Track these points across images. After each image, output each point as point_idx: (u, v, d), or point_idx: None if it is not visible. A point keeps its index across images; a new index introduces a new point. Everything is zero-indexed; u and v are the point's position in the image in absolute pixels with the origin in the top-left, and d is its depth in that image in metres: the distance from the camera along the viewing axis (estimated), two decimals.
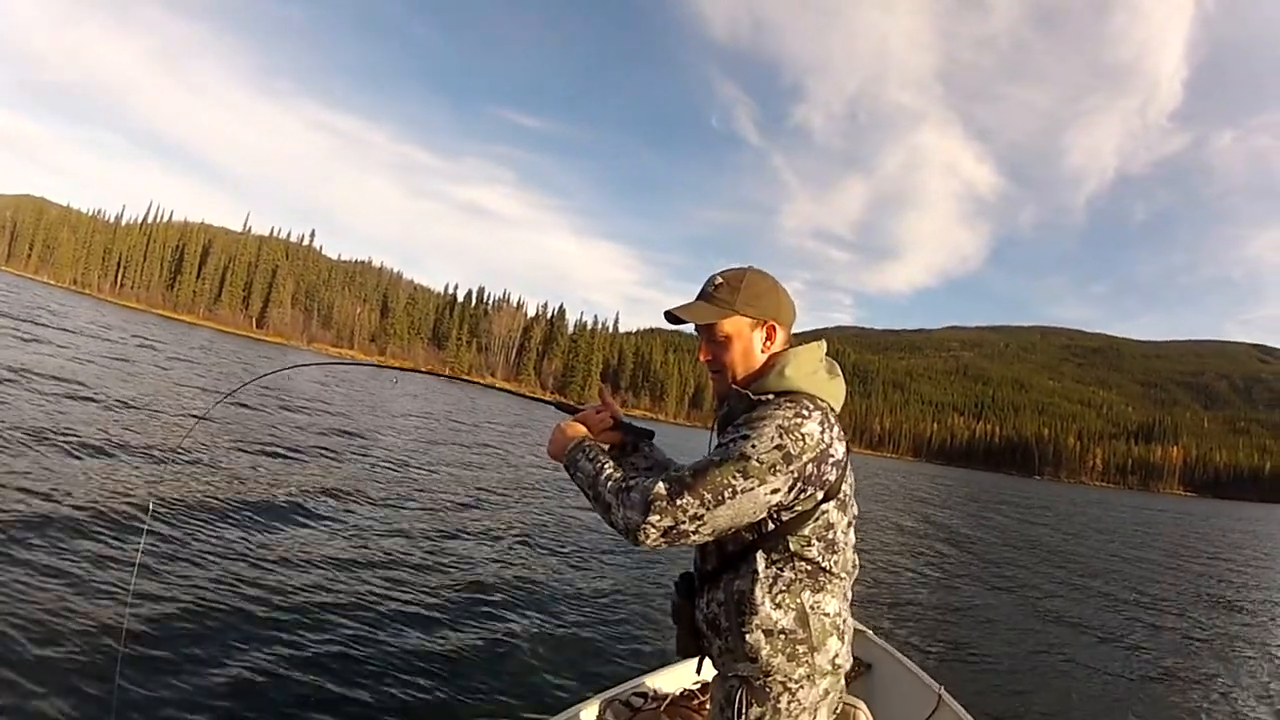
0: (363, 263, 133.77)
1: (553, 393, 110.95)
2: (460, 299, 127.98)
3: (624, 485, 1.52)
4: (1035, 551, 16.81)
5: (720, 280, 1.63)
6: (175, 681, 3.49)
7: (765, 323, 1.62)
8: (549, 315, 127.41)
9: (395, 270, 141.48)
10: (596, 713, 2.66)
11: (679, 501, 1.42)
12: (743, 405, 1.57)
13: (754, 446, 1.43)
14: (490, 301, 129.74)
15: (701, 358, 1.69)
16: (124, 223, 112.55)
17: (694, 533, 1.45)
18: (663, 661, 3.41)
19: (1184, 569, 16.25)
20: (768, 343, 1.63)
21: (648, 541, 1.45)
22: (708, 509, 1.42)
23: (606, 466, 1.59)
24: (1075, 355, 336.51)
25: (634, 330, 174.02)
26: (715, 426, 1.67)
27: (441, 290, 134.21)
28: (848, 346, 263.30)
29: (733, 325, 1.61)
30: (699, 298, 1.66)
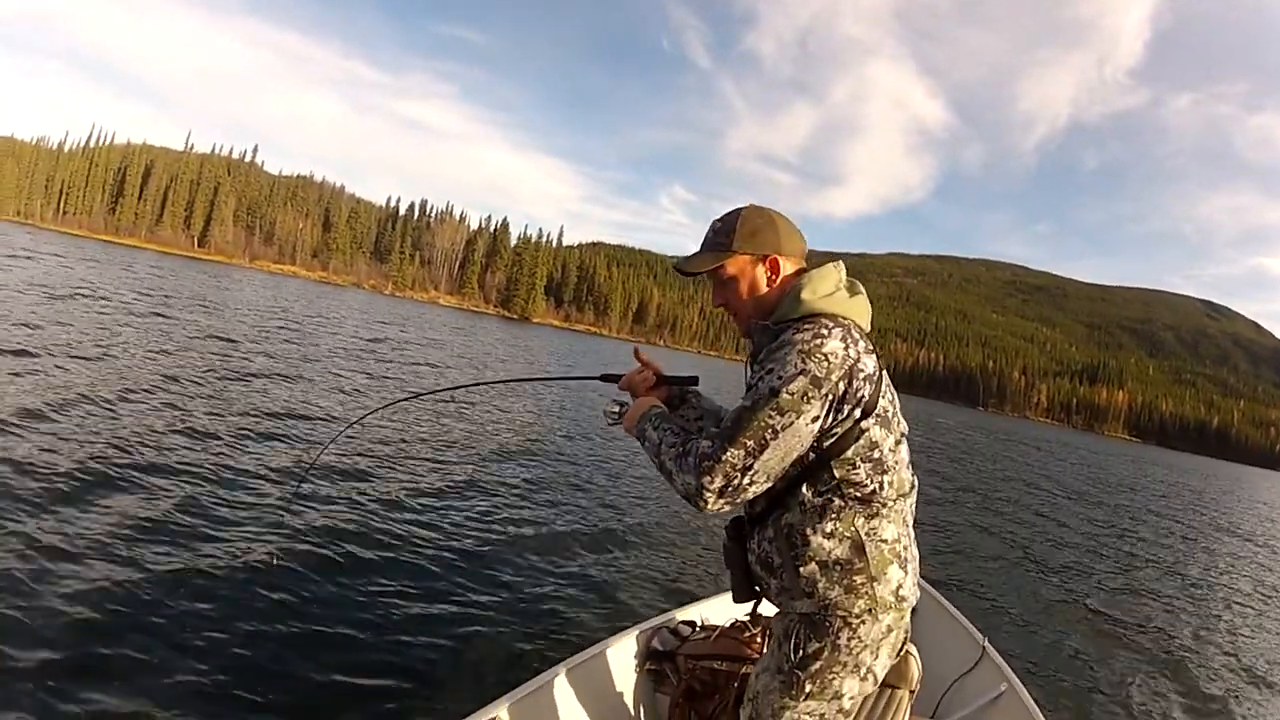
0: (304, 177, 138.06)
1: (495, 306, 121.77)
2: (402, 212, 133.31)
3: (681, 450, 1.56)
4: (1041, 491, 17.28)
5: (718, 225, 1.70)
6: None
7: (767, 257, 1.66)
8: (492, 229, 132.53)
9: (337, 184, 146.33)
10: (646, 640, 2.85)
11: (724, 456, 1.46)
12: (767, 337, 1.60)
13: (780, 379, 1.45)
14: (432, 214, 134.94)
15: (715, 304, 1.77)
16: (67, 149, 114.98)
17: (749, 484, 1.48)
18: (714, 591, 3.47)
19: (1197, 527, 17.16)
20: (772, 276, 1.67)
21: (708, 505, 1.49)
22: (755, 456, 1.45)
23: (669, 434, 1.63)
24: (1019, 291, 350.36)
25: (578, 244, 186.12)
26: (747, 364, 1.67)
27: (383, 204, 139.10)
28: None
29: (735, 265, 1.67)
30: (701, 247, 1.72)
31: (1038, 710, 2.71)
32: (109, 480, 5.32)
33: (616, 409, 1.94)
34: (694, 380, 2.04)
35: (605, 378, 2.09)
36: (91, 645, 3.30)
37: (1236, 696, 5.83)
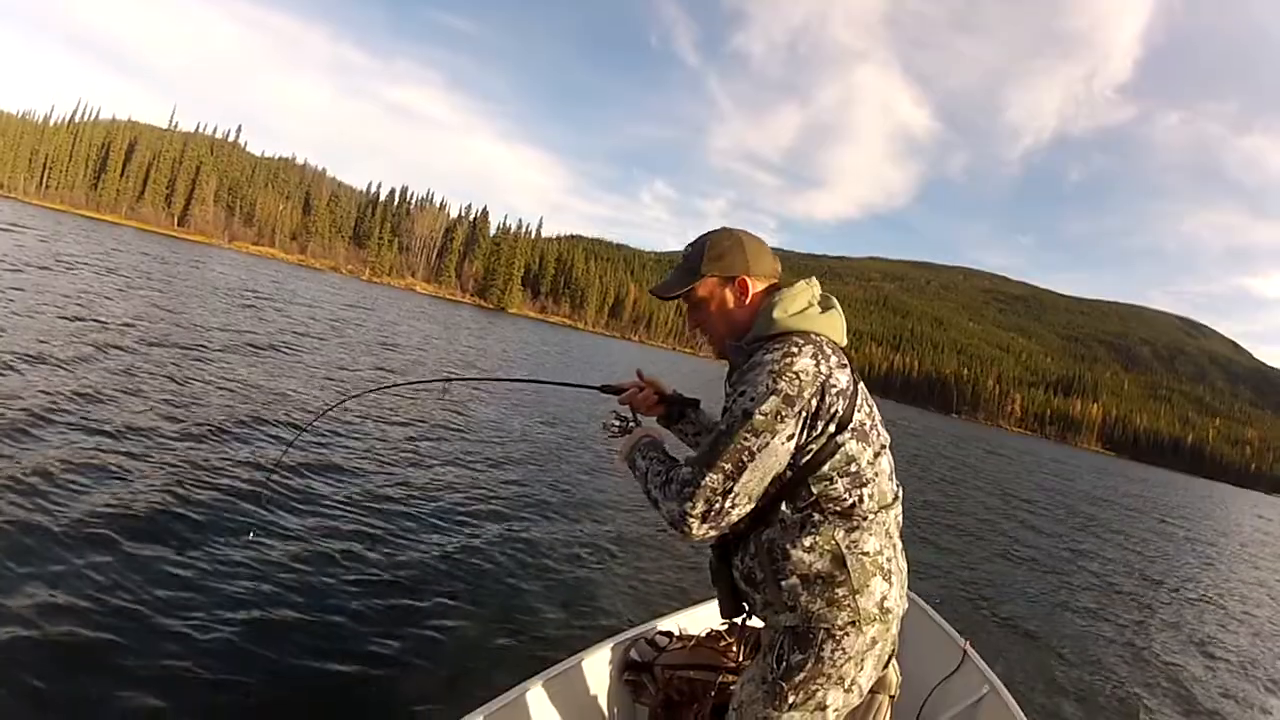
0: (286, 160, 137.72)
1: (472, 295, 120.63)
2: (383, 198, 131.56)
3: (665, 478, 1.58)
4: (1015, 498, 17.93)
5: (688, 250, 1.75)
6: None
7: (735, 279, 1.69)
8: (471, 217, 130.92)
9: (319, 167, 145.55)
10: (623, 651, 2.84)
11: (704, 481, 1.47)
12: (741, 358, 1.61)
13: (753, 400, 1.47)
14: (413, 201, 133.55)
15: (690, 326, 1.80)
16: (52, 123, 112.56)
17: (731, 508, 1.49)
18: (691, 602, 3.49)
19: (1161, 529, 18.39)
20: (742, 297, 1.69)
21: (693, 531, 1.50)
22: (734, 479, 1.47)
23: (655, 463, 1.66)
24: (997, 300, 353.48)
25: (556, 236, 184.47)
26: (725, 384, 1.68)
27: (364, 189, 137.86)
28: None
29: (704, 288, 1.71)
30: (674, 272, 1.77)
31: (1020, 712, 2.73)
32: (65, 462, 5.20)
33: (617, 423, 1.94)
34: (695, 403, 2.05)
35: (606, 389, 2.08)
36: (55, 627, 3.27)
37: (1214, 696, 6.01)
